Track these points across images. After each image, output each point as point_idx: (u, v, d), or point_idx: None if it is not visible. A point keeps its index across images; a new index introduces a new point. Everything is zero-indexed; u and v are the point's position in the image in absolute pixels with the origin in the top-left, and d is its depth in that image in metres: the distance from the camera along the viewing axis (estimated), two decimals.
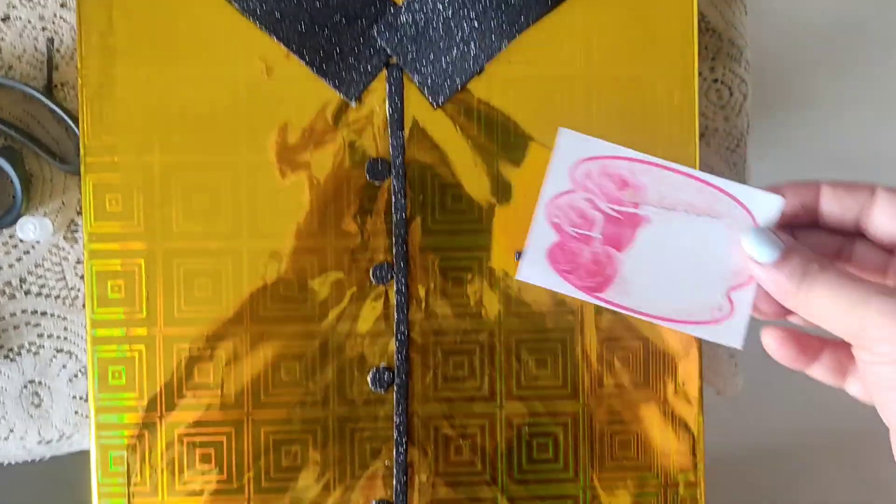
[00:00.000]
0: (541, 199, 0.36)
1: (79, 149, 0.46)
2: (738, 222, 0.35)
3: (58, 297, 0.47)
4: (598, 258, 0.36)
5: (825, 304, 0.32)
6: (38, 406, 0.47)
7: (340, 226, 0.42)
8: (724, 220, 0.36)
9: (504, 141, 0.42)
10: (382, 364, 0.42)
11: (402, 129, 0.41)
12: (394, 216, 0.42)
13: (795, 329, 0.36)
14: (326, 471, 0.42)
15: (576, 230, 0.36)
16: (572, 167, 0.36)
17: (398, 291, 0.42)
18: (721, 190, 0.36)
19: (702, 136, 0.49)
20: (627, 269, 0.36)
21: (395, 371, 0.42)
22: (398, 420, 0.42)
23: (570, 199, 0.36)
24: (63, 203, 0.46)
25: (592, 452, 0.42)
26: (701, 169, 0.47)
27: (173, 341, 0.41)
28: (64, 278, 0.47)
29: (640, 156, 0.36)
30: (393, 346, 0.42)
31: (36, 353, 0.47)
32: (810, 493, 1.03)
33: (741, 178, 0.50)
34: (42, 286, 0.47)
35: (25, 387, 0.47)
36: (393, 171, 0.41)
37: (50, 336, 0.47)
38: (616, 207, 0.36)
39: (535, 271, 0.36)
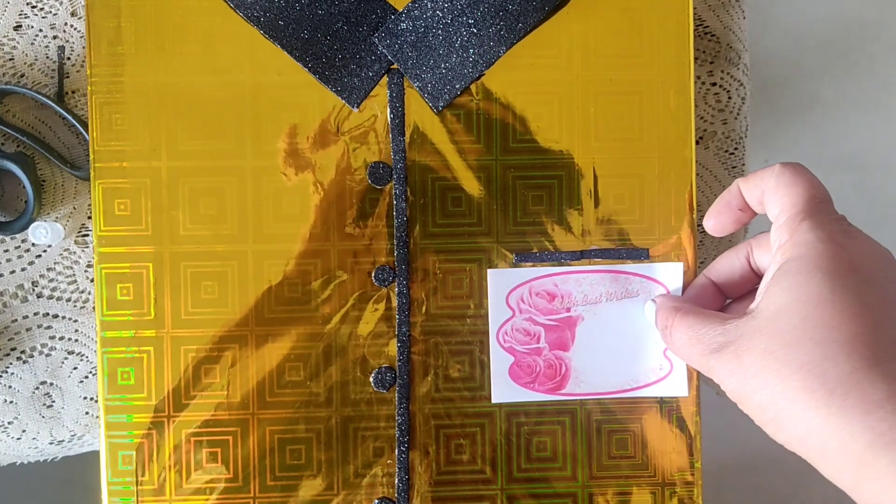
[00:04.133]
0: (491, 332, 0.42)
1: (89, 155, 0.47)
2: (652, 294, 0.42)
3: (69, 300, 0.48)
4: (551, 363, 0.42)
5: (687, 356, 0.37)
6: (49, 407, 0.48)
7: (343, 229, 0.42)
8: (640, 297, 0.42)
9: (503, 144, 0.43)
10: (384, 365, 0.43)
11: (403, 133, 0.42)
12: (395, 220, 0.42)
13: None
14: (330, 469, 0.42)
15: (525, 347, 0.42)
16: (507, 297, 0.42)
17: (400, 294, 0.43)
18: (630, 273, 0.42)
19: (700, 139, 0.50)
20: (577, 363, 0.42)
21: (398, 371, 0.42)
22: (400, 419, 0.42)
23: (513, 324, 0.42)
24: (74, 208, 0.47)
25: (590, 451, 0.43)
26: (698, 173, 0.48)
27: (181, 343, 0.42)
28: (75, 281, 0.48)
29: (556, 269, 0.42)
30: (395, 347, 0.43)
31: (48, 355, 0.48)
32: (814, 495, 1.03)
33: None
34: (54, 289, 0.48)
35: (37, 388, 0.48)
36: (394, 174, 0.42)
37: (62, 338, 0.48)
38: (552, 317, 0.42)
39: (505, 393, 0.42)
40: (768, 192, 0.37)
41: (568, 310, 0.42)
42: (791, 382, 0.32)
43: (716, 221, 0.40)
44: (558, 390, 0.42)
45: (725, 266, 0.41)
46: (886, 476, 0.29)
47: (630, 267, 0.42)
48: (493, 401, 0.42)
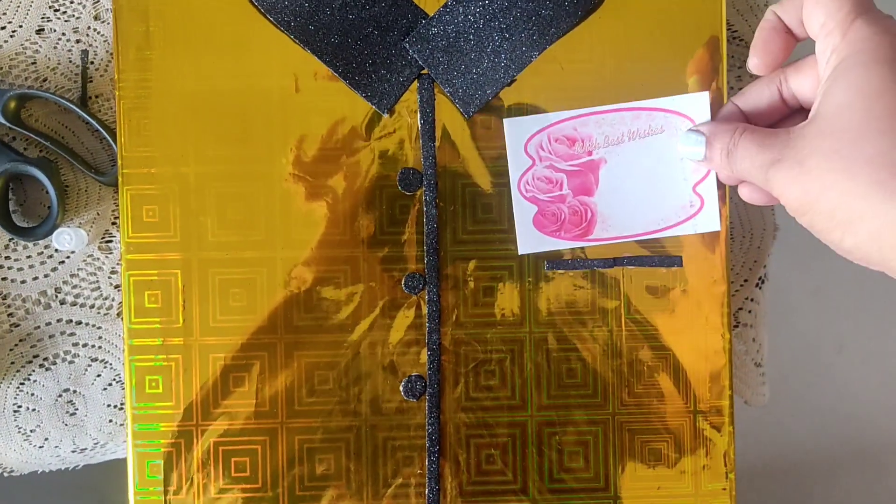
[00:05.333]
0: (512, 183, 0.41)
1: (113, 160, 0.46)
2: (678, 128, 0.41)
3: (92, 306, 0.47)
4: (576, 209, 0.41)
5: (747, 171, 0.36)
6: (72, 415, 0.47)
7: (373, 236, 0.42)
8: (665, 132, 0.41)
9: None
10: (414, 373, 0.42)
11: (433, 139, 0.42)
12: (425, 226, 0.42)
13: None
14: (359, 479, 0.42)
15: (548, 195, 0.41)
16: (525, 145, 0.41)
17: (430, 301, 0.42)
18: (652, 109, 0.41)
19: None
20: (602, 207, 0.41)
21: (427, 380, 0.42)
22: (430, 429, 0.42)
23: (534, 172, 0.41)
24: (98, 213, 0.47)
25: (623, 461, 0.42)
26: None
27: (209, 350, 0.41)
28: (99, 288, 0.47)
29: (574, 112, 0.41)
30: (425, 355, 0.42)
31: (71, 362, 0.47)
32: (835, 502, 1.03)
33: None
34: (77, 296, 0.47)
35: (60, 395, 0.47)
36: (424, 181, 0.42)
37: (85, 345, 0.47)
38: (573, 162, 0.41)
39: (531, 243, 0.41)
40: (809, 4, 0.35)
41: (590, 153, 0.41)
42: (860, 178, 0.31)
43: (762, 56, 0.38)
44: (585, 236, 0.41)
45: (754, 94, 0.40)
46: None
47: (651, 102, 0.41)
48: (521, 252, 0.41)
